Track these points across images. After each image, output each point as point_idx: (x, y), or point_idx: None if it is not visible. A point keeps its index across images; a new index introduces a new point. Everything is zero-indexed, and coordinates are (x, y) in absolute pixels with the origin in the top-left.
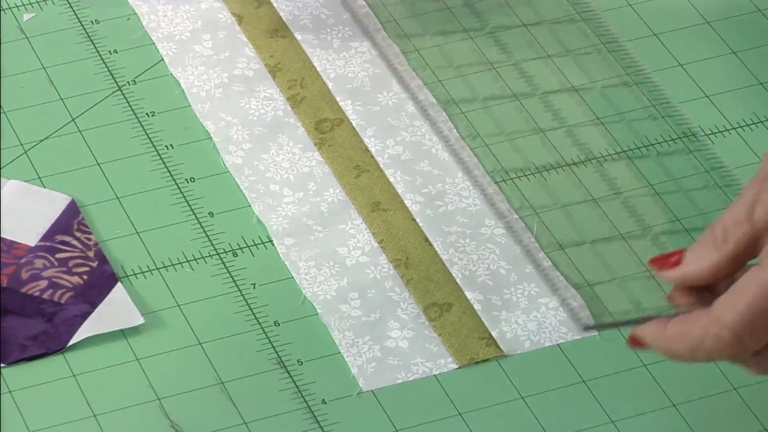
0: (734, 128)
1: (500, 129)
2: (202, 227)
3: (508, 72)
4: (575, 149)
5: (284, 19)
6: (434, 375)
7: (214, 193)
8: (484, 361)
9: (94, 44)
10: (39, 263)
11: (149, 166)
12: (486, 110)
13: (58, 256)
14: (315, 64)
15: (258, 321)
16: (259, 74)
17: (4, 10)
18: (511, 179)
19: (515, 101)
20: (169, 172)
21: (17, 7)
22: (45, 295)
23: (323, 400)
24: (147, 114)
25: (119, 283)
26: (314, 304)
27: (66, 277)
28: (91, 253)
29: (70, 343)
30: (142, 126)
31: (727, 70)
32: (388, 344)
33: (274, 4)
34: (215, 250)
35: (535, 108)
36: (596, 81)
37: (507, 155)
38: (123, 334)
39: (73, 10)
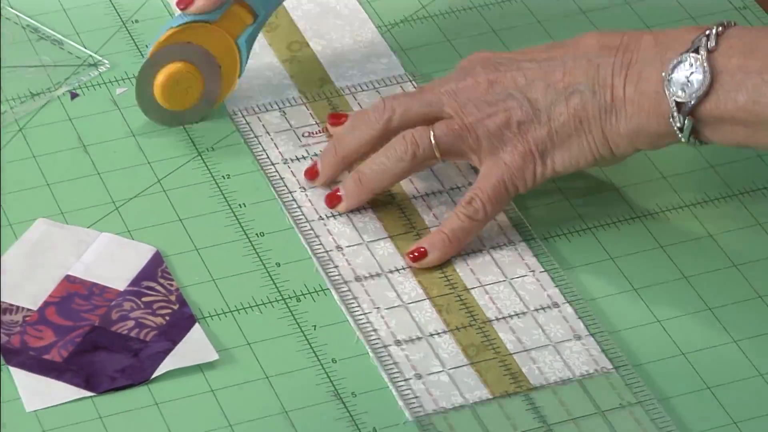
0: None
1: (536, 190)
2: (270, 276)
3: None
4: (601, 210)
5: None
6: (472, 404)
7: (280, 246)
8: (515, 393)
9: None
10: (127, 306)
11: (224, 222)
12: None
13: (144, 299)
14: None
15: (318, 358)
16: (318, 140)
17: (99, 85)
18: (545, 238)
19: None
20: (241, 227)
21: (111, 82)
22: (132, 334)
23: (374, 428)
24: (223, 177)
25: (197, 324)
26: (366, 343)
27: (150, 318)
28: (173, 297)
29: (154, 375)
30: (218, 187)
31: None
32: (431, 379)
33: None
34: (281, 295)
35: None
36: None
37: (540, 213)
38: (200, 368)
39: None
